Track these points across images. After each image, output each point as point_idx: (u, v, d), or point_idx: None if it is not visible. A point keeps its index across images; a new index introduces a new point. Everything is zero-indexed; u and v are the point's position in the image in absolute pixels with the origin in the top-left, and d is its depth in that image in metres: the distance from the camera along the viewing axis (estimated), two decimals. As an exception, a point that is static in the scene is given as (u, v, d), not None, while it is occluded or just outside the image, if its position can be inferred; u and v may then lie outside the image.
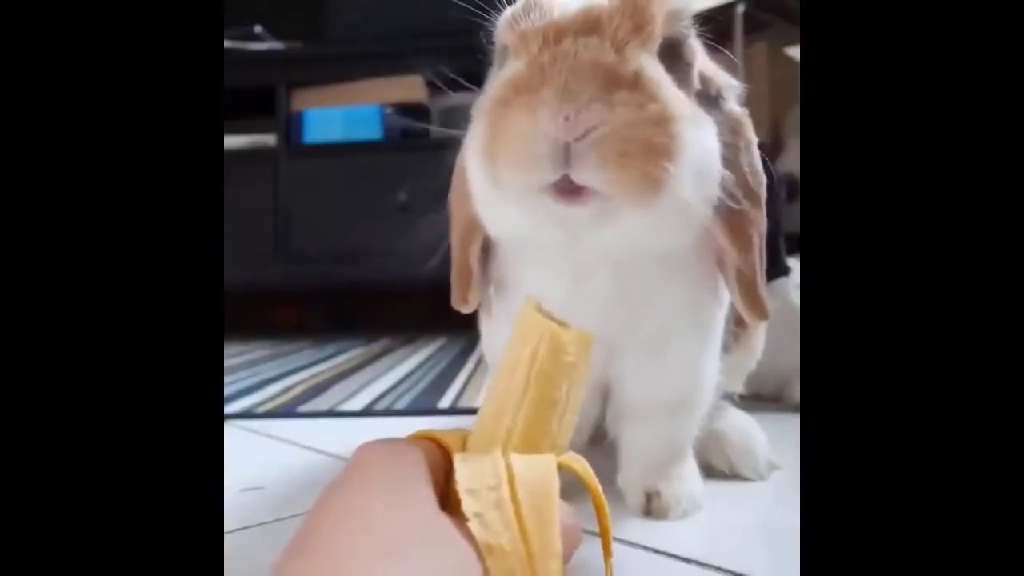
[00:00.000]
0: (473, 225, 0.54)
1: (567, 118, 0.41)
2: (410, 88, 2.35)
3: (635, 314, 0.55)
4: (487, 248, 0.58)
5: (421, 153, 2.20)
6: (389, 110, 2.35)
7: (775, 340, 0.79)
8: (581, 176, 0.42)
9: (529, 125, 0.43)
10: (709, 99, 0.51)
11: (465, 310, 0.59)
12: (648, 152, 0.42)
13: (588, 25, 0.44)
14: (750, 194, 0.52)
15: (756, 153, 0.53)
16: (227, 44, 2.31)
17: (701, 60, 0.52)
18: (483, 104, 0.47)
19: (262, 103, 2.36)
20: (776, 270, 0.88)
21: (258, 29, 2.49)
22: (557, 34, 0.44)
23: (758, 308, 0.53)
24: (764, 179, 0.53)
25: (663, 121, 0.43)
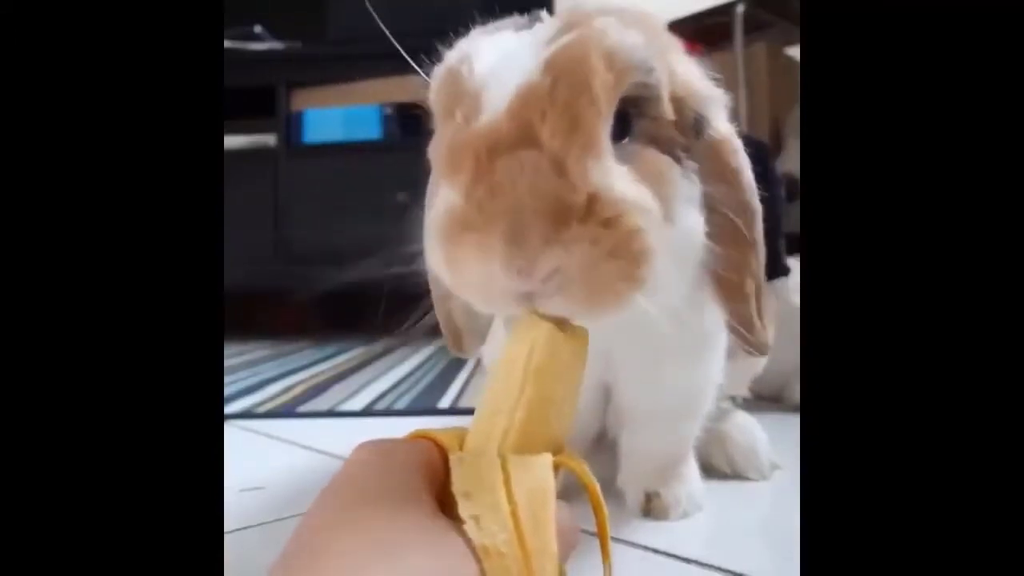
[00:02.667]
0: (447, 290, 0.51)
1: (520, 270, 0.37)
2: (410, 88, 2.35)
3: (631, 343, 0.54)
4: None
5: (421, 153, 2.20)
6: (389, 110, 2.35)
7: (775, 340, 0.79)
8: (547, 310, 0.39)
9: (483, 273, 0.38)
10: (687, 129, 0.45)
11: (462, 356, 0.57)
12: (616, 281, 0.38)
13: (521, 135, 0.37)
14: (743, 232, 0.47)
15: (746, 182, 0.48)
16: (227, 44, 2.31)
17: (676, 79, 0.45)
18: (431, 227, 0.41)
19: (262, 103, 2.36)
20: (776, 270, 0.88)
21: (258, 29, 2.49)
22: (489, 154, 0.37)
23: (757, 346, 0.50)
24: (757, 210, 0.48)
25: (625, 245, 0.38)
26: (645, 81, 0.41)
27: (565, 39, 0.40)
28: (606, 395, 0.62)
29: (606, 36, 0.40)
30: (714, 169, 0.46)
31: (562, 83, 0.38)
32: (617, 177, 0.39)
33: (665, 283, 0.41)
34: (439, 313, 0.56)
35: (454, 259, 0.40)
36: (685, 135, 0.45)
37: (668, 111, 0.43)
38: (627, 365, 0.57)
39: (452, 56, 0.43)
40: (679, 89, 0.45)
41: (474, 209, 0.38)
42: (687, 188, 0.44)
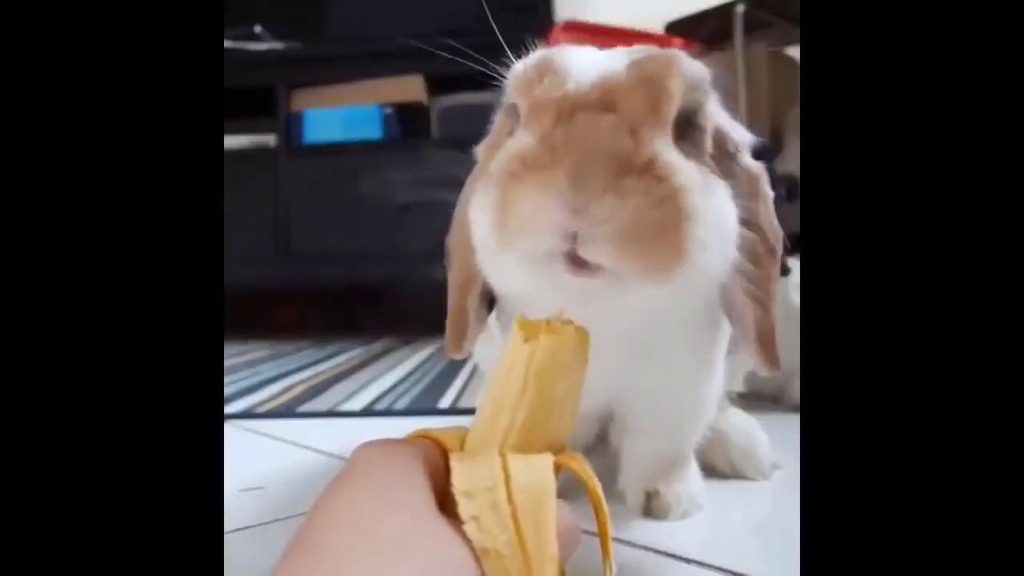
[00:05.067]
0: (473, 275, 0.53)
1: (576, 209, 0.40)
2: (410, 88, 2.35)
3: (639, 357, 0.54)
4: (486, 294, 0.55)
5: (421, 153, 2.21)
6: (389, 110, 2.35)
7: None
8: (591, 256, 0.42)
9: (538, 207, 0.41)
10: (726, 156, 0.50)
11: (458, 357, 0.57)
12: (660, 233, 0.41)
13: (604, 102, 0.43)
14: (769, 250, 0.51)
15: (772, 208, 0.53)
16: (227, 44, 2.31)
17: (718, 117, 0.51)
18: (493, 171, 0.45)
19: (262, 103, 2.36)
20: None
21: (258, 29, 2.48)
22: (572, 108, 0.42)
23: (773, 360, 0.51)
24: (781, 233, 0.52)
25: (672, 197, 0.42)
26: (700, 102, 0.48)
27: (647, 55, 0.47)
28: (604, 414, 0.63)
29: (681, 58, 0.47)
30: (747, 194, 0.50)
31: (645, 79, 0.44)
32: (674, 151, 0.44)
33: (707, 262, 0.44)
34: (453, 302, 0.56)
35: (511, 197, 0.43)
36: (723, 161, 0.49)
37: (708, 144, 0.49)
38: (635, 381, 0.57)
39: (538, 52, 0.49)
40: (721, 126, 0.50)
41: (546, 150, 0.42)
42: (723, 186, 0.47)
